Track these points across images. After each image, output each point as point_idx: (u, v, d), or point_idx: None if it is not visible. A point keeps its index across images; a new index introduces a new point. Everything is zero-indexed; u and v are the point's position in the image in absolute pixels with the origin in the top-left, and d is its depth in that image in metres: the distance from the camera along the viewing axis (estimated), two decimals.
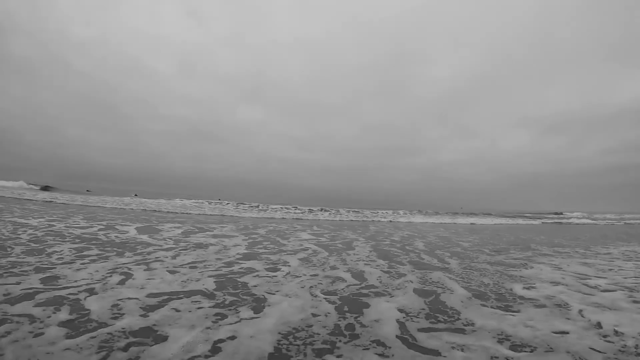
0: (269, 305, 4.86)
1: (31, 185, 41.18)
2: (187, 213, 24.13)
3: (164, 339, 3.68)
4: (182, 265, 7.10)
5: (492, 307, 5.30)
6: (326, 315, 4.52)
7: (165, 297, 5.03)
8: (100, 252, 7.83)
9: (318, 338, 3.86)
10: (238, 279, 6.27)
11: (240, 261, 7.97)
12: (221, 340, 3.68)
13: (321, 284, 6.22)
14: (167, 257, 7.86)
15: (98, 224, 13.16)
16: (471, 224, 30.87)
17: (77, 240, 9.10)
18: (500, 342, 4.04)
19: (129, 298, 4.85)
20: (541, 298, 5.95)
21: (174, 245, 9.50)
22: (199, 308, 4.65)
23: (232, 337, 3.76)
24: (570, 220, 44.34)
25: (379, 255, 9.83)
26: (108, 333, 3.73)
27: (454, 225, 27.85)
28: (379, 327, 4.23)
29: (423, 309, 4.95)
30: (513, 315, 5.00)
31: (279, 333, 3.94)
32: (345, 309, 4.82)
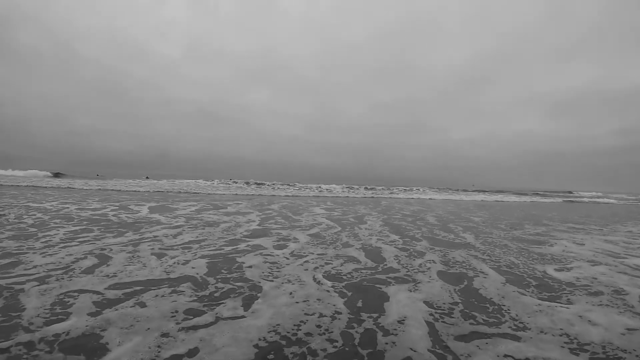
0: (262, 298, 3.43)
1: (43, 172, 38.00)
2: (201, 193, 22.76)
3: (101, 353, 2.29)
4: (178, 245, 5.73)
5: (534, 296, 3.81)
6: (333, 317, 3.01)
7: (138, 287, 3.66)
8: (98, 234, 6.51)
9: None
10: (237, 259, 4.90)
11: (248, 238, 6.59)
12: (175, 358, 2.26)
13: (330, 264, 4.79)
14: (167, 235, 6.52)
15: (111, 205, 11.92)
16: (481, 200, 29.01)
17: (85, 222, 7.82)
18: (574, 352, 2.58)
19: (86, 290, 3.47)
20: (586, 282, 4.50)
21: (182, 223, 8.17)
22: (172, 302, 3.26)
23: (193, 353, 2.34)
24: (591, 200, 38.95)
25: (392, 230, 8.35)
26: (27, 342, 2.36)
27: (463, 201, 26.04)
28: (404, 333, 2.72)
29: (456, 302, 3.44)
30: (566, 307, 3.53)
31: (262, 347, 2.47)
32: (359, 303, 3.32)
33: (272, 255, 5.21)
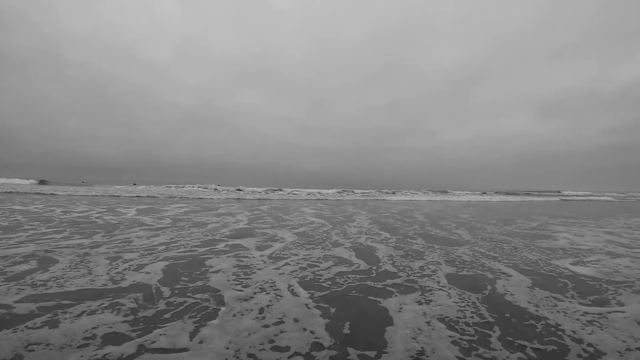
0: (220, 318, 2.24)
1: (29, 180, 33.79)
2: (192, 197, 21.20)
3: None
4: (144, 247, 4.51)
5: (574, 301, 2.71)
6: (309, 355, 1.77)
7: (66, 299, 2.52)
8: (67, 235, 5.31)
9: None
10: (206, 263, 3.73)
11: (229, 238, 5.40)
12: None
13: (316, 266, 3.62)
14: (141, 237, 5.29)
15: (99, 208, 10.58)
16: (467, 200, 27.90)
17: (64, 224, 6.54)
18: None
19: None
20: (619, 277, 3.47)
21: (166, 225, 6.90)
22: (97, 321, 2.13)
23: None
24: (585, 198, 36.00)
25: (382, 228, 7.19)
26: None
27: (451, 202, 24.77)
28: None
29: (485, 319, 2.25)
30: (619, 311, 2.50)
31: None
32: (347, 329, 2.08)
33: (249, 257, 4.01)
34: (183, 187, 31.19)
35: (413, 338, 1.92)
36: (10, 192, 19.43)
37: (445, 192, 40.07)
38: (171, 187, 31.04)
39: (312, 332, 1.99)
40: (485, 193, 40.85)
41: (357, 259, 4.02)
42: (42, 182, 33.82)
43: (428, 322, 2.14)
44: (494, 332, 2.02)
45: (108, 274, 3.22)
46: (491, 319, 2.22)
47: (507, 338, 1.94)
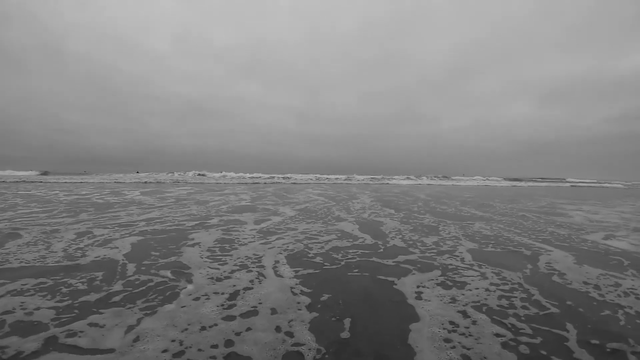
0: (178, 302, 1.56)
1: (29, 172, 29.41)
2: (196, 182, 20.35)
3: None
4: (124, 223, 3.85)
5: (635, 279, 1.97)
6: None
7: (2, 278, 1.82)
8: (55, 213, 4.67)
9: None
10: (189, 236, 3.05)
11: (227, 213, 4.75)
12: None
13: (315, 239, 2.92)
14: (132, 214, 4.62)
15: (104, 191, 9.94)
16: (476, 185, 26.80)
17: (61, 205, 5.88)
18: None
19: None
20: None
21: (166, 204, 6.23)
22: (16, 307, 1.47)
23: None
24: (591, 185, 31.93)
25: (386, 204, 6.44)
26: None
27: (453, 185, 23.66)
28: None
29: (549, 313, 1.49)
30: None
31: None
32: (346, 329, 1.33)
33: (239, 231, 3.30)
34: (185, 174, 29.19)
35: (446, 341, 1.19)
36: (4, 181, 18.41)
37: (447, 177, 38.21)
38: (174, 173, 29.32)
39: (290, 333, 1.25)
40: (488, 178, 38.75)
41: (361, 233, 3.29)
42: (44, 174, 31.99)
43: (463, 314, 1.40)
44: (567, 331, 1.27)
45: (65, 250, 2.54)
46: (553, 309, 1.47)
47: (592, 341, 1.19)
